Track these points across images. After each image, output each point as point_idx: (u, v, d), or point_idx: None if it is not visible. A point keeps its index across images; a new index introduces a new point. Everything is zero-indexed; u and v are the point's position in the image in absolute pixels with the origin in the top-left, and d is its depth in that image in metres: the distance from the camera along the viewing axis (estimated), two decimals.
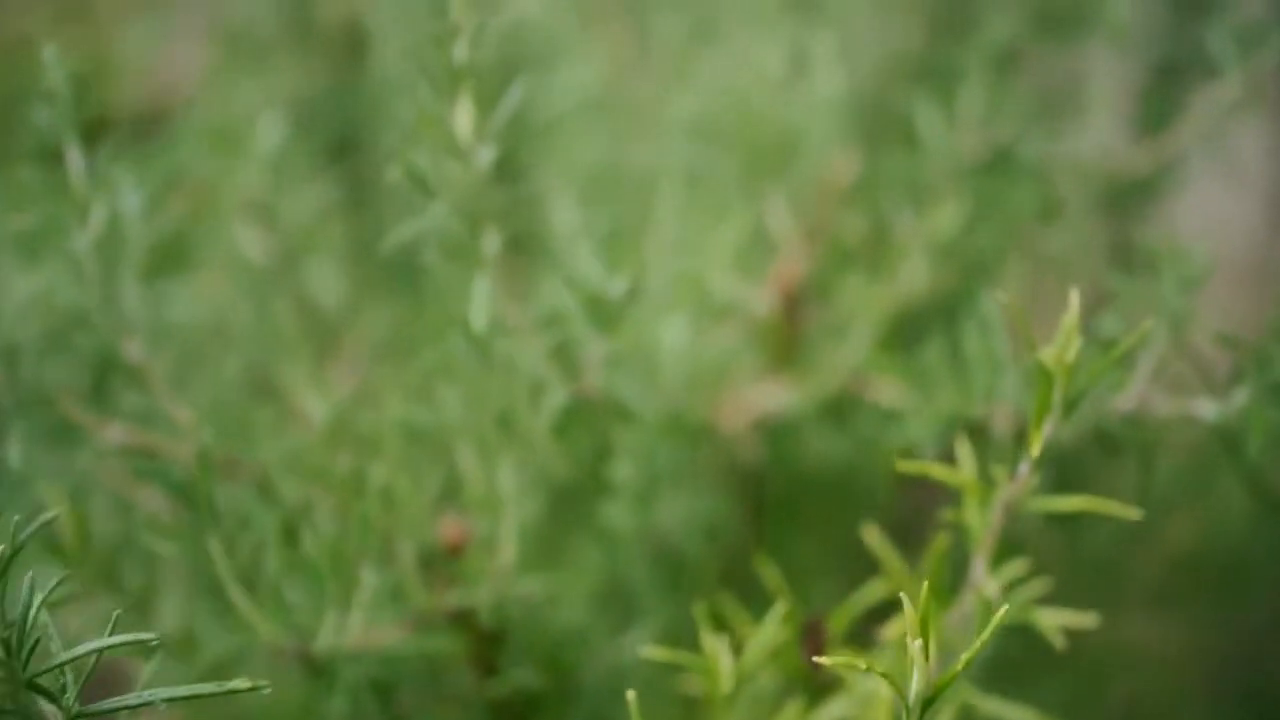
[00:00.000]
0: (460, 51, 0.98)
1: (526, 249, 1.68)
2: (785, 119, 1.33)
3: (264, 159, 1.52)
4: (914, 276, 1.31)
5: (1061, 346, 0.81)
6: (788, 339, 1.29)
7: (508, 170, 1.60)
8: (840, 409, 1.26)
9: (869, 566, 1.31)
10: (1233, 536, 1.73)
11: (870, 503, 1.31)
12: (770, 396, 1.25)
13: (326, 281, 1.61)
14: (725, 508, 1.32)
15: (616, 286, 1.02)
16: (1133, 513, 0.86)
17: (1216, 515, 1.72)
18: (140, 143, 1.77)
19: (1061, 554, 1.70)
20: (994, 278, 1.34)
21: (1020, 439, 1.07)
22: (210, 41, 1.91)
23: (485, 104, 1.01)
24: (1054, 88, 1.50)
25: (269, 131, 1.51)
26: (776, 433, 1.28)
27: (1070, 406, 0.82)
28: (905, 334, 1.36)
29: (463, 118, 0.99)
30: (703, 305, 1.27)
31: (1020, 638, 1.02)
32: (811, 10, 1.59)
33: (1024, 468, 0.85)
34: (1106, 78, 1.45)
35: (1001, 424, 1.08)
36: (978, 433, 1.12)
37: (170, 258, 1.52)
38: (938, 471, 0.88)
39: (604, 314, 1.03)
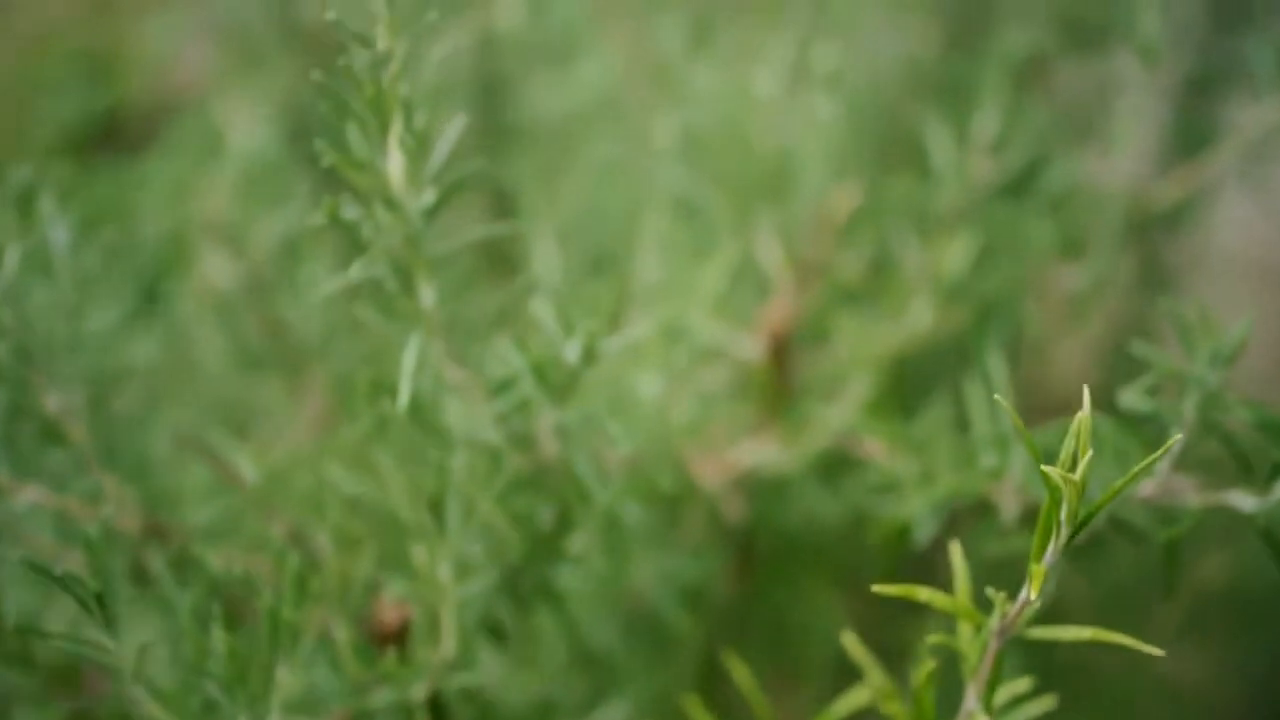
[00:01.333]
0: (390, 84, 0.82)
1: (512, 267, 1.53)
2: (779, 144, 1.17)
3: (235, 178, 1.38)
4: (918, 319, 1.14)
5: (1069, 458, 0.65)
6: (777, 387, 1.13)
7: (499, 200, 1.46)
8: (832, 466, 1.10)
9: (866, 631, 1.15)
10: (1263, 572, 1.60)
11: (867, 563, 1.15)
12: (754, 453, 1.09)
13: (301, 305, 1.47)
14: (711, 568, 1.16)
15: (572, 350, 0.86)
16: (1153, 650, 0.70)
17: (1246, 549, 1.59)
18: (141, 144, 1.64)
19: (1087, 586, 1.56)
20: (1007, 319, 1.18)
21: (1028, 519, 0.91)
22: (216, 43, 1.77)
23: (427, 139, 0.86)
24: (1078, 103, 1.33)
25: (242, 146, 1.37)
26: (762, 491, 1.12)
27: (1080, 527, 0.66)
28: (908, 382, 1.20)
29: (394, 162, 0.83)
30: (686, 350, 1.11)
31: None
32: (822, 15, 1.42)
33: (1024, 595, 0.70)
34: (1135, 91, 1.28)
35: (1008, 504, 0.91)
36: (981, 508, 0.96)
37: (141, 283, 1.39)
38: (924, 595, 0.72)
39: (558, 380, 0.88)
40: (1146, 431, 0.86)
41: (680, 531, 1.13)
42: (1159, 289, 1.47)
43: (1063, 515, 0.66)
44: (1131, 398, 0.84)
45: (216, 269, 1.38)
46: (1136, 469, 0.64)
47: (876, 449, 1.01)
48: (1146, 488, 0.84)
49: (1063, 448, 0.67)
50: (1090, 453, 0.65)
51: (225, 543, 0.99)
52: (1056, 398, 1.51)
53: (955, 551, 0.73)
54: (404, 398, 0.84)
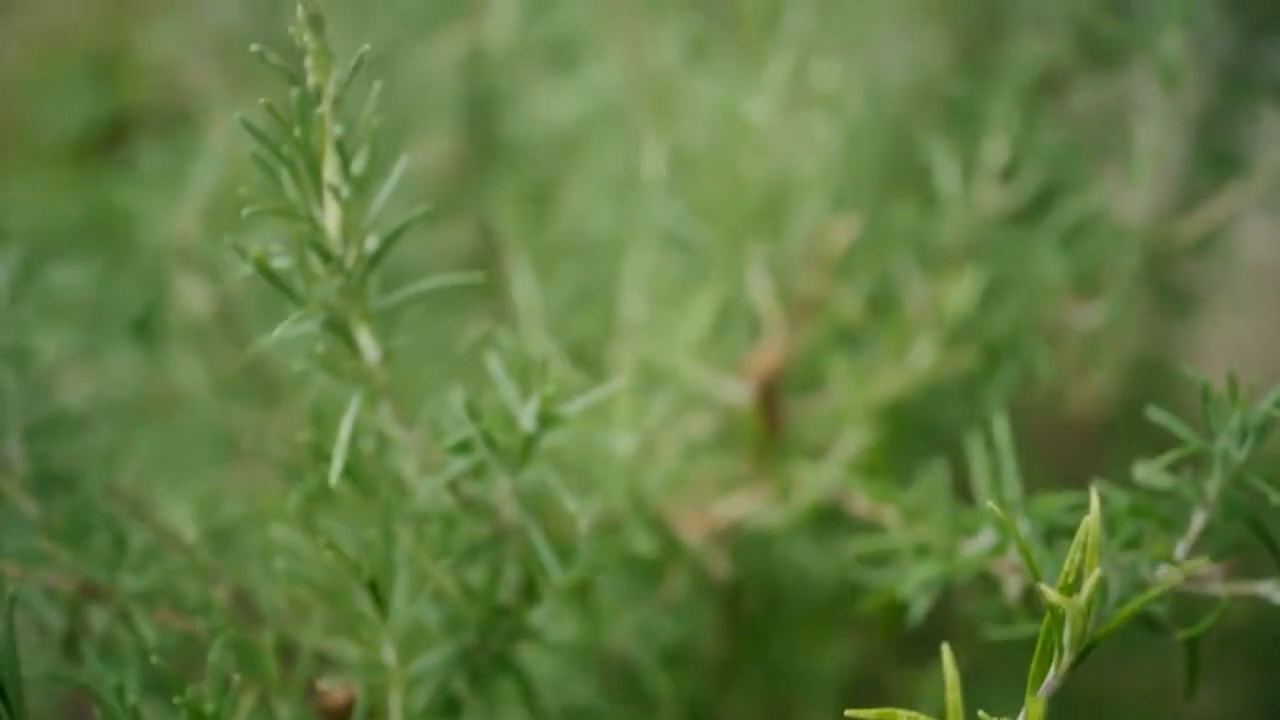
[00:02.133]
0: (319, 124, 0.72)
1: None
2: (774, 171, 1.06)
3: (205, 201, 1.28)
4: (920, 361, 1.03)
5: (1072, 575, 0.54)
6: (766, 435, 1.03)
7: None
8: (824, 520, 1.00)
9: (863, 692, 1.04)
10: None
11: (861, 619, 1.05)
12: (741, 507, 0.99)
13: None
14: (695, 624, 1.06)
15: (527, 415, 0.76)
16: None
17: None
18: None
19: None
20: (1016, 359, 1.07)
21: (1031, 599, 0.81)
22: (213, 53, 1.68)
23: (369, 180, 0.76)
24: (1094, 124, 1.21)
25: (206, 170, 1.27)
26: (750, 545, 1.02)
27: (1085, 654, 0.56)
28: (907, 428, 1.09)
29: (330, 213, 0.73)
30: (670, 397, 1.01)
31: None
32: (824, 27, 1.31)
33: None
34: (1154, 111, 1.16)
35: (1012, 584, 0.81)
36: (982, 582, 0.85)
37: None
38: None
39: (514, 445, 0.77)
40: (1165, 505, 0.76)
41: (663, 587, 1.02)
42: (1180, 308, 1.36)
43: (1065, 638, 0.55)
44: (1150, 473, 0.73)
45: (192, 296, 1.29)
46: (1149, 595, 0.54)
47: (870, 510, 0.91)
48: (1164, 574, 0.73)
49: (1067, 558, 0.56)
50: (1098, 572, 0.54)
51: (165, 605, 0.89)
52: (1071, 415, 1.40)
53: (946, 657, 0.63)
54: (336, 468, 0.74)
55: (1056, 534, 0.81)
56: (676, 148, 1.15)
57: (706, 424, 1.04)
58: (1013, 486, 0.82)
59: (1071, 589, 0.55)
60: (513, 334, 0.83)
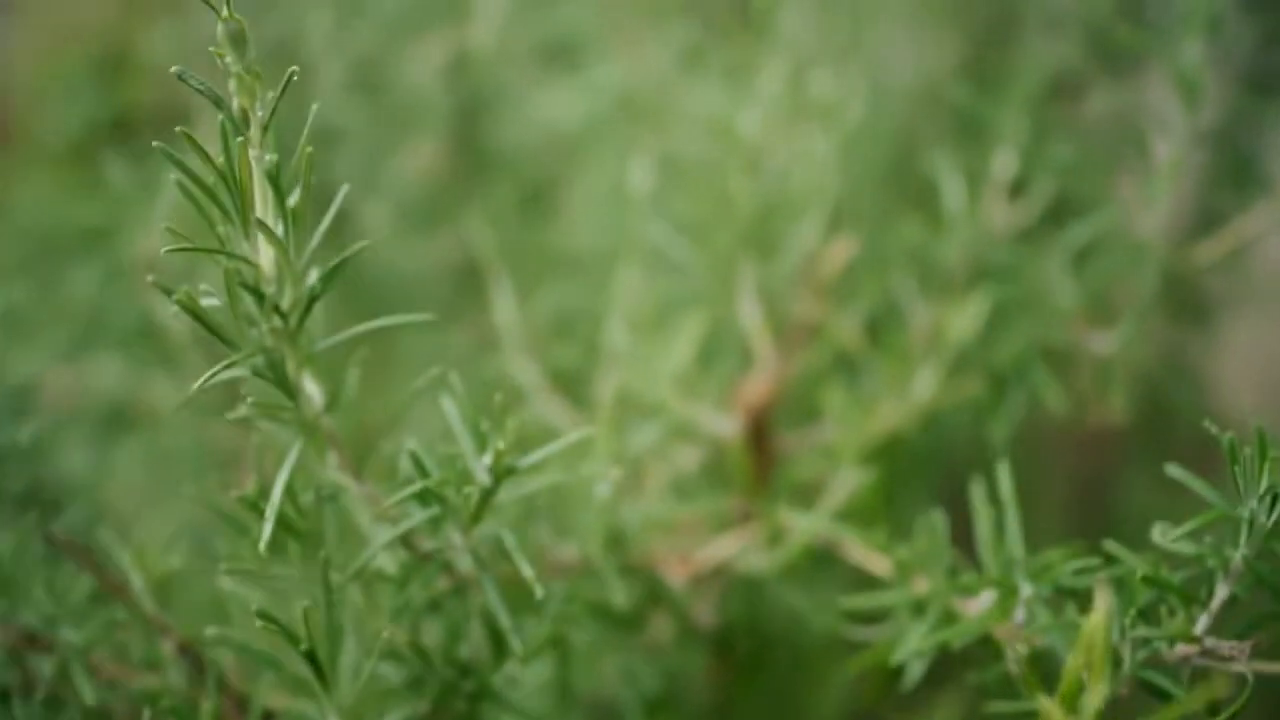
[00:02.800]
0: (241, 154, 0.64)
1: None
2: (767, 188, 0.97)
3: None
4: (920, 391, 0.95)
5: (1075, 685, 0.46)
6: (757, 470, 0.94)
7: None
8: (816, 563, 0.91)
9: None
10: None
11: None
12: (727, 549, 0.90)
13: None
14: (681, 668, 0.98)
15: (482, 470, 0.68)
16: None
17: None
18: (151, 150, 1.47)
19: None
20: (1024, 390, 0.98)
21: (1036, 667, 0.72)
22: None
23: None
24: (1110, 133, 1.12)
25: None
26: (739, 587, 0.93)
27: None
28: (907, 464, 1.01)
29: (265, 251, 0.65)
30: (654, 432, 0.93)
31: None
32: (832, 31, 1.22)
33: None
34: (1172, 122, 1.06)
35: (1014, 648, 0.72)
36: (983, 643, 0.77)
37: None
38: None
39: (469, 500, 0.69)
40: (1185, 570, 0.67)
41: (648, 632, 0.94)
42: (1199, 317, 1.27)
43: None
44: (1172, 538, 0.64)
45: (167, 311, 1.21)
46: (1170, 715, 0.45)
47: (865, 558, 0.82)
48: (1186, 650, 0.65)
49: (1070, 657, 0.47)
50: (1104, 691, 0.46)
51: (108, 658, 0.82)
52: (1087, 426, 1.31)
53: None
54: (266, 532, 0.66)
55: (1063, 581, 0.72)
56: (666, 161, 1.07)
57: (695, 457, 0.96)
58: (1016, 542, 0.74)
59: (1075, 698, 0.47)
60: (462, 382, 0.74)
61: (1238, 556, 0.63)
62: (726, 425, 0.93)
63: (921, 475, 1.04)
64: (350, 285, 1.45)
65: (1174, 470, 0.67)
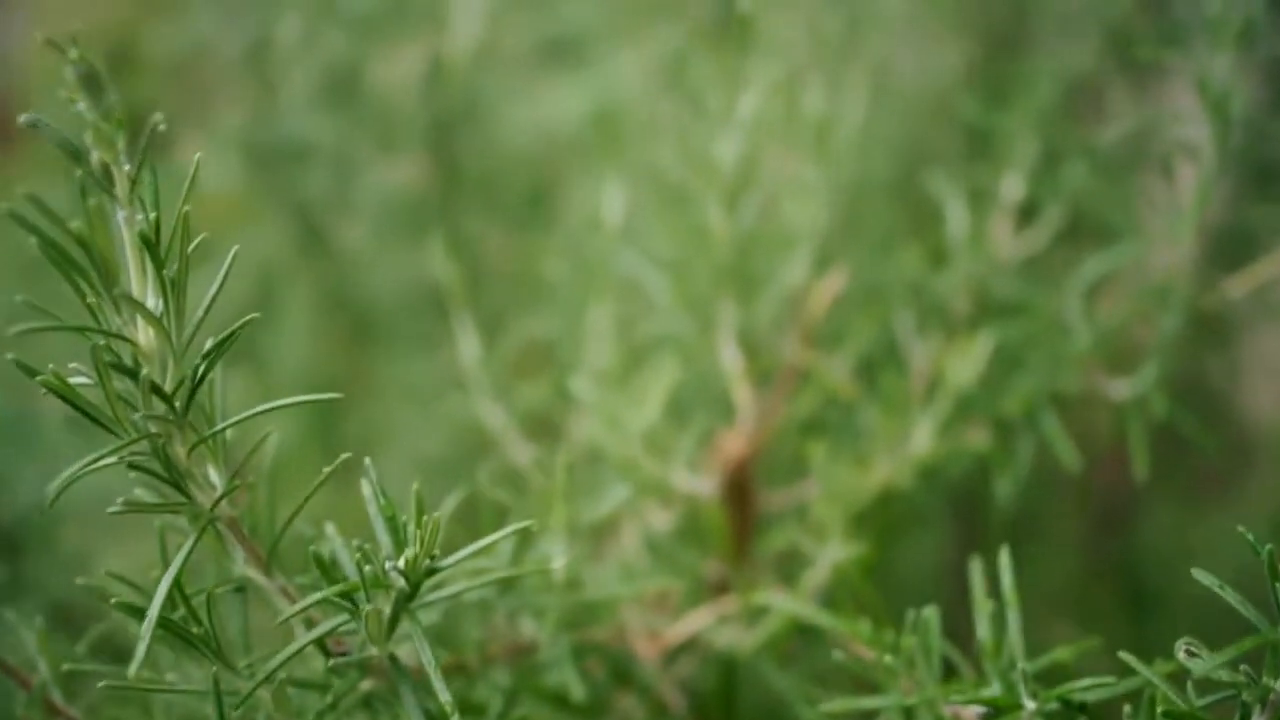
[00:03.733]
0: (126, 219, 0.53)
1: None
2: (750, 221, 0.86)
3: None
4: (917, 444, 0.84)
5: None
6: (737, 531, 0.84)
7: None
8: (798, 633, 0.80)
9: None
10: None
11: None
12: (702, 622, 0.80)
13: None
14: None
15: (397, 574, 0.58)
16: None
17: None
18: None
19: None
20: (1033, 440, 0.87)
21: None
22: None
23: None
24: (1129, 152, 1.00)
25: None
26: (713, 667, 0.83)
27: None
28: (904, 515, 0.90)
29: (139, 327, 0.55)
30: (626, 486, 0.82)
31: None
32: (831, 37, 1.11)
33: None
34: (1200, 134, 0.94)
35: None
36: None
37: None
38: None
39: (381, 613, 0.59)
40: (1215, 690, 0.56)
41: (616, 713, 0.84)
42: (1222, 336, 1.15)
43: None
44: (1206, 667, 0.53)
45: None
46: None
47: (849, 648, 0.72)
48: None
49: None
50: None
51: None
52: (1103, 446, 1.19)
53: None
54: (141, 651, 0.55)
55: (1073, 697, 0.62)
56: (647, 183, 0.96)
57: (668, 518, 0.85)
58: (1018, 645, 0.63)
59: None
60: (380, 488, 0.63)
61: (1277, 687, 0.52)
62: (702, 484, 0.82)
63: (920, 531, 0.94)
64: (332, 305, 1.36)
65: (1201, 575, 0.56)
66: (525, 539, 0.74)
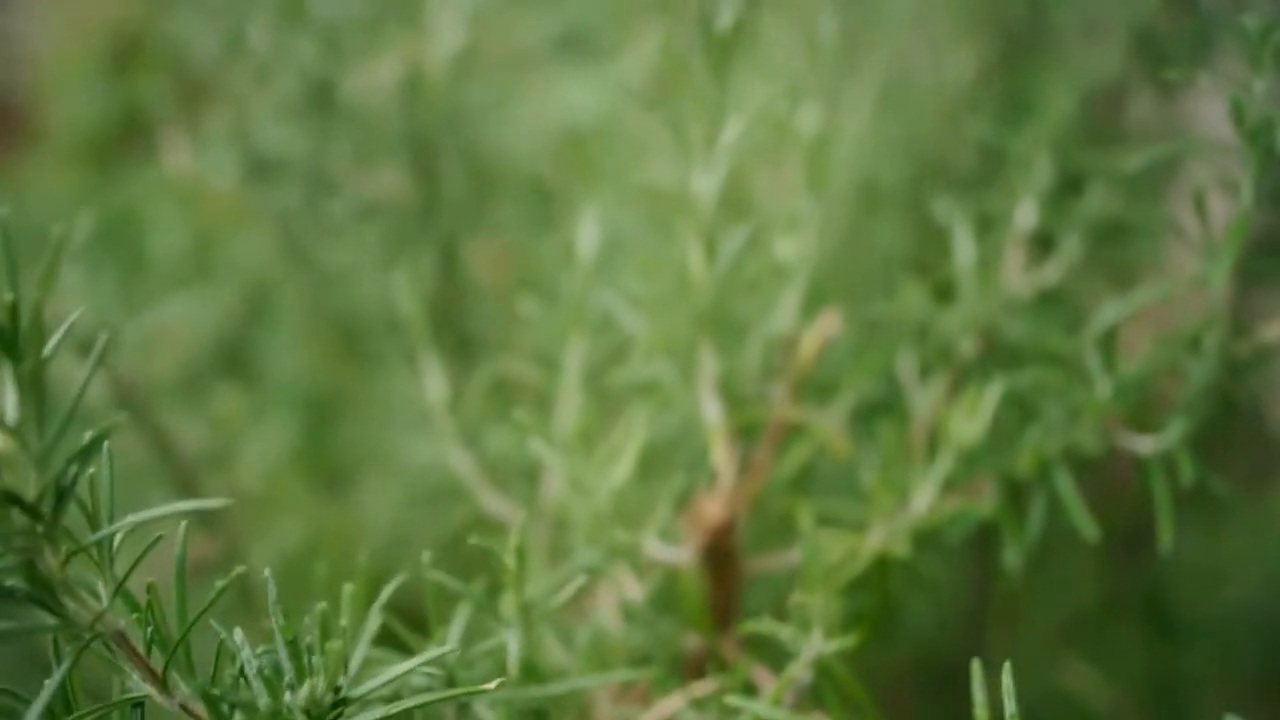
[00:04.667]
0: None
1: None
2: (733, 265, 0.76)
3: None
4: (916, 508, 0.74)
5: None
6: (718, 602, 0.75)
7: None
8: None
9: None
10: None
11: None
12: (672, 709, 0.71)
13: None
14: None
15: (297, 708, 0.49)
16: None
17: None
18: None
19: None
20: (1045, 502, 0.77)
21: None
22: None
23: None
24: (1157, 180, 0.89)
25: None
26: None
27: None
28: (901, 590, 0.80)
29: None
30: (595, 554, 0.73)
31: None
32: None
33: None
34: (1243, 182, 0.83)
35: None
36: None
37: None
38: None
39: None
40: None
41: None
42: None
43: None
44: None
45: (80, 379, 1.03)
46: None
47: None
48: None
49: None
50: None
51: None
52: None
53: None
54: None
55: None
56: (626, 212, 0.87)
57: (648, 579, 0.76)
58: None
59: None
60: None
61: None
62: (678, 553, 0.73)
63: (919, 600, 0.84)
64: (318, 319, 1.28)
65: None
66: (476, 624, 0.65)
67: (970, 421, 0.73)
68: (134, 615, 0.53)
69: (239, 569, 0.51)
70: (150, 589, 0.56)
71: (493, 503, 0.83)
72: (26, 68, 1.87)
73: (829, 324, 0.77)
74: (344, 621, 0.54)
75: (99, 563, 0.51)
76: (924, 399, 0.79)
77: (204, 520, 1.09)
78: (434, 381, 0.85)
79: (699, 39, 0.71)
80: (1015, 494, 0.77)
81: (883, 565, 0.74)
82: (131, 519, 0.51)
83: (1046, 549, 1.21)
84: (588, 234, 0.81)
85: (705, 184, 0.73)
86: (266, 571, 0.52)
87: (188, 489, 1.09)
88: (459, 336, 1.17)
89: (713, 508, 0.72)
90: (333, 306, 1.25)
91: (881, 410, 0.80)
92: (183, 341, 1.24)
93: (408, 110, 1.11)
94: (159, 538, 0.54)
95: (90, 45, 1.73)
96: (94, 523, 0.51)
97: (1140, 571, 1.31)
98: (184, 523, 0.56)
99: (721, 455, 0.73)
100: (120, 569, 0.55)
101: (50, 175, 1.67)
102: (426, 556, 0.65)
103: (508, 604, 0.65)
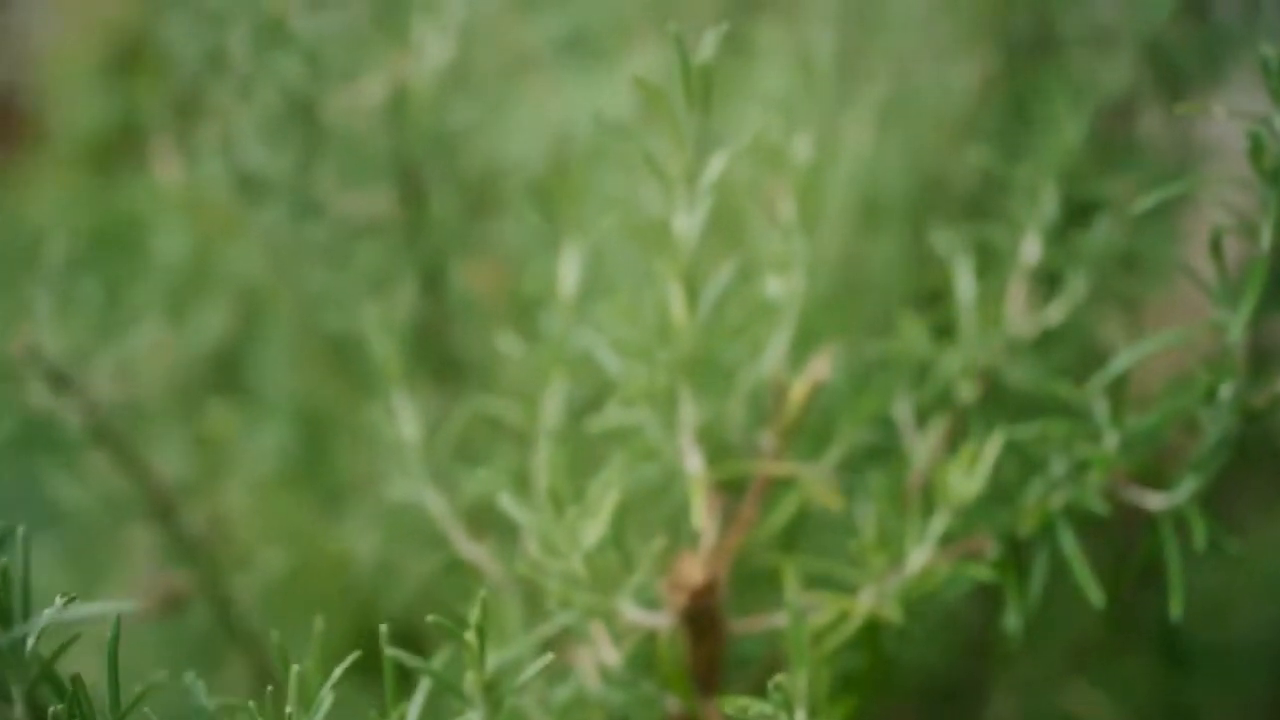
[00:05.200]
0: None
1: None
2: (716, 308, 0.71)
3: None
4: (913, 565, 0.69)
5: None
6: (700, 667, 0.70)
7: None
8: None
9: None
10: None
11: None
12: None
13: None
14: None
15: None
16: None
17: None
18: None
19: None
20: (1048, 561, 0.71)
21: None
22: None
23: None
24: (1170, 218, 0.84)
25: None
26: None
27: None
28: (893, 651, 0.75)
29: None
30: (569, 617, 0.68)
31: None
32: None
33: None
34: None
35: None
36: None
37: None
38: None
39: None
40: None
41: None
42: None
43: None
44: None
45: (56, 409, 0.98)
46: None
47: None
48: None
49: None
50: None
51: None
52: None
53: None
54: None
55: None
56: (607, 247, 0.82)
57: (626, 643, 0.71)
58: None
59: None
60: None
61: None
62: (657, 618, 0.68)
63: (915, 662, 0.79)
64: (314, 340, 1.24)
65: None
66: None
67: (969, 478, 0.68)
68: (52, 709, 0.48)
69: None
70: (75, 680, 0.52)
71: (468, 549, 0.79)
72: (31, 67, 1.83)
73: (820, 368, 0.72)
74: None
75: (14, 664, 0.46)
76: (922, 446, 0.73)
77: (181, 551, 1.05)
78: (408, 422, 0.80)
79: (678, 72, 0.66)
80: (1016, 548, 0.71)
81: (874, 627, 0.69)
82: (49, 614, 0.46)
83: (1054, 573, 1.16)
84: (569, 271, 0.76)
85: (686, 223, 0.67)
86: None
87: (165, 518, 1.04)
88: (445, 360, 1.12)
89: (693, 570, 0.67)
90: (322, 325, 1.20)
91: (877, 457, 0.74)
92: (175, 355, 1.20)
93: (394, 129, 1.06)
94: (74, 635, 0.49)
95: (92, 47, 1.69)
96: (5, 621, 0.46)
97: (1150, 597, 1.26)
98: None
99: (702, 511, 0.68)
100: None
101: (52, 177, 1.63)
102: (384, 630, 0.60)
103: (470, 683, 0.60)
